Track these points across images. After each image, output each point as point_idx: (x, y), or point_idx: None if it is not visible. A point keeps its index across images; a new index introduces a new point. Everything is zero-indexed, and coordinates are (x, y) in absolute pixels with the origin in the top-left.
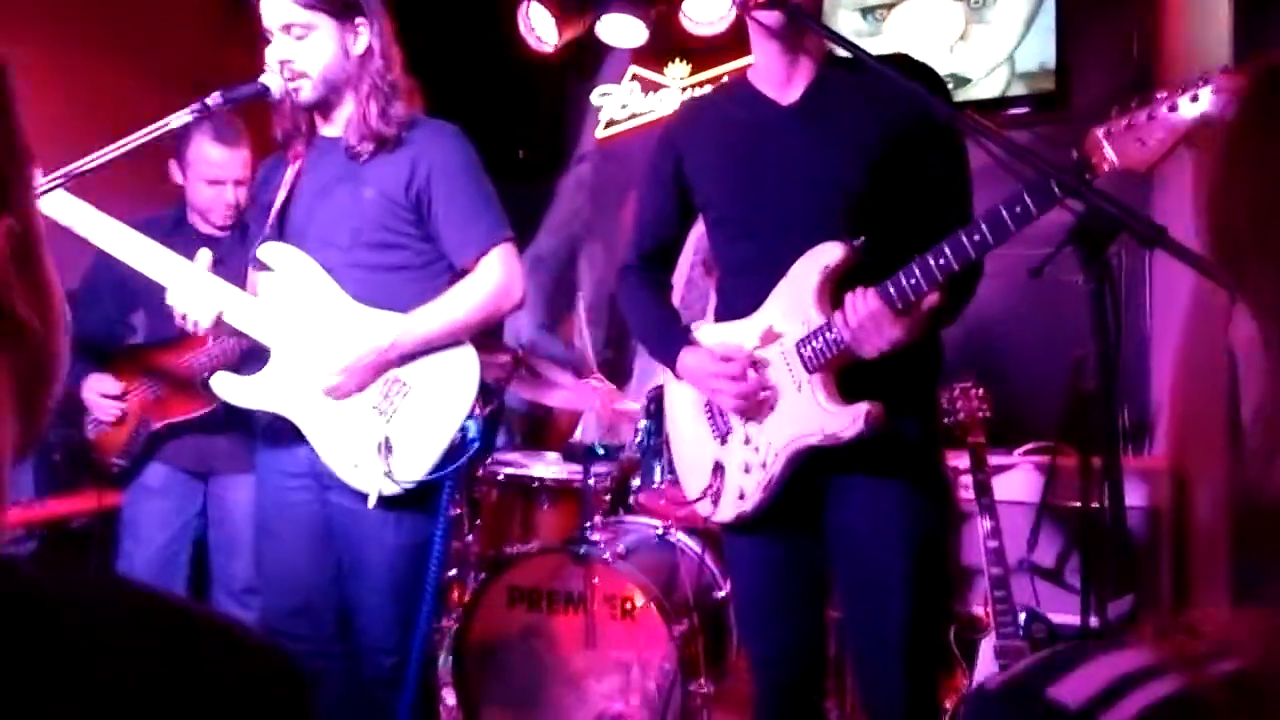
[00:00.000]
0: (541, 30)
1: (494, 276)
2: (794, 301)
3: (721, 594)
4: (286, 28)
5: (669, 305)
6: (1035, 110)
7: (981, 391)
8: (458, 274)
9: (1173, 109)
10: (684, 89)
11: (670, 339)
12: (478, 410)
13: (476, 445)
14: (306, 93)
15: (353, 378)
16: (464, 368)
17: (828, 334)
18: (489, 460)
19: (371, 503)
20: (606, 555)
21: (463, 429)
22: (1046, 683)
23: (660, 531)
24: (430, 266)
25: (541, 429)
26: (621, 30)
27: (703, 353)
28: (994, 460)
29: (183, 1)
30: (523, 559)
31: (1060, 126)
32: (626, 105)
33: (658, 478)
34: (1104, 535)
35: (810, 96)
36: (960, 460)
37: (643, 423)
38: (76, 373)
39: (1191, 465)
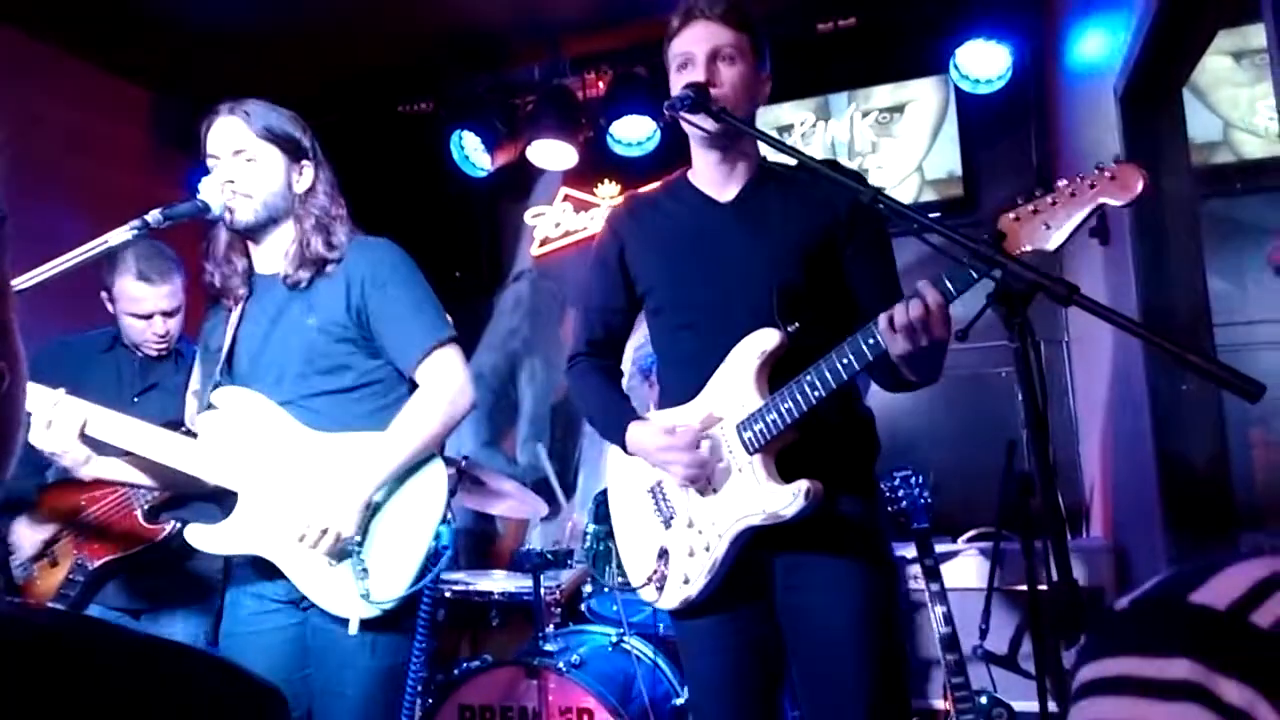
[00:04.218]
0: (474, 155)
1: (446, 379)
2: (733, 386)
3: (680, 700)
4: (237, 152)
5: (619, 389)
6: (945, 214)
7: (921, 479)
8: (413, 383)
9: (1074, 194)
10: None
11: (621, 416)
12: (449, 515)
13: (450, 551)
14: (246, 214)
15: (354, 524)
16: (431, 477)
17: (767, 416)
18: (436, 579)
19: (353, 629)
20: (560, 665)
21: (436, 536)
22: (1187, 590)
23: (614, 639)
24: (385, 381)
25: (486, 547)
26: (552, 154)
27: (652, 425)
28: (938, 548)
29: (117, 141)
30: (473, 675)
31: (970, 228)
32: (560, 224)
33: (608, 581)
34: (1064, 611)
35: (746, 194)
36: (906, 549)
37: (591, 527)
38: None
39: (1130, 539)
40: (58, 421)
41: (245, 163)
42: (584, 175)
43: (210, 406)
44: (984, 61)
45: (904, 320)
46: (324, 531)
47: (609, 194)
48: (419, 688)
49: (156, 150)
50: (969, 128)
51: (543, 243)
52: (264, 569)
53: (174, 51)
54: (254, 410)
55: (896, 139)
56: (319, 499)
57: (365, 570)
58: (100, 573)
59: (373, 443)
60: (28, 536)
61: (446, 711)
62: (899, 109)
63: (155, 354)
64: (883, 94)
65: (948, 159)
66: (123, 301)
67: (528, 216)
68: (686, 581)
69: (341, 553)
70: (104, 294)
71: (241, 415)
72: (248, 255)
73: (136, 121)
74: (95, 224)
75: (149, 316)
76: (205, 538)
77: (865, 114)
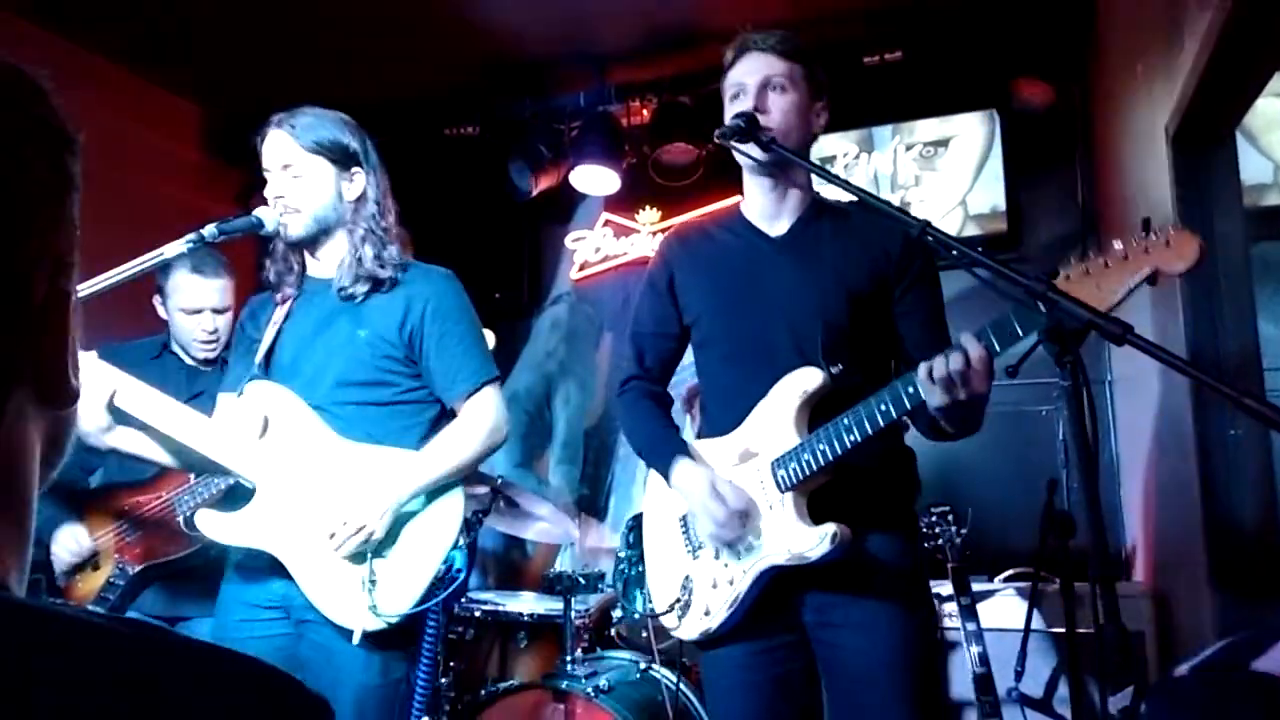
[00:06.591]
0: (518, 179)
1: (487, 415)
2: (773, 422)
3: None
4: (285, 167)
5: (668, 418)
6: (989, 249)
7: (956, 516)
8: (445, 409)
9: (1127, 258)
10: (654, 233)
11: (668, 446)
12: (462, 541)
13: (462, 576)
14: (297, 228)
15: (378, 534)
16: (452, 502)
17: (801, 456)
18: (463, 598)
19: (356, 639)
20: (589, 690)
21: (448, 560)
22: (1249, 658)
23: (643, 666)
24: (418, 403)
25: (516, 570)
26: (594, 179)
27: (703, 476)
28: (975, 586)
29: (169, 157)
30: (501, 696)
31: (1015, 264)
32: (600, 249)
33: (639, 608)
34: (1111, 656)
35: (798, 229)
36: (942, 587)
37: (623, 552)
38: (47, 519)
39: (1172, 588)
40: (88, 386)
41: (293, 178)
42: (626, 201)
43: (240, 394)
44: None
45: (943, 373)
46: (359, 529)
47: (649, 220)
48: (423, 714)
49: (207, 164)
50: (1014, 163)
51: (582, 267)
52: (258, 575)
53: (224, 67)
54: (286, 408)
55: (940, 173)
56: (347, 500)
57: (374, 582)
58: (141, 577)
59: (399, 458)
60: (71, 546)
61: None
62: (943, 143)
63: (203, 356)
64: (927, 128)
65: (992, 194)
66: (175, 296)
67: (568, 240)
68: (707, 613)
69: (358, 557)
70: (156, 297)
71: (273, 410)
72: (303, 258)
73: (187, 136)
74: (146, 238)
75: (199, 311)
76: (216, 525)
77: (909, 147)
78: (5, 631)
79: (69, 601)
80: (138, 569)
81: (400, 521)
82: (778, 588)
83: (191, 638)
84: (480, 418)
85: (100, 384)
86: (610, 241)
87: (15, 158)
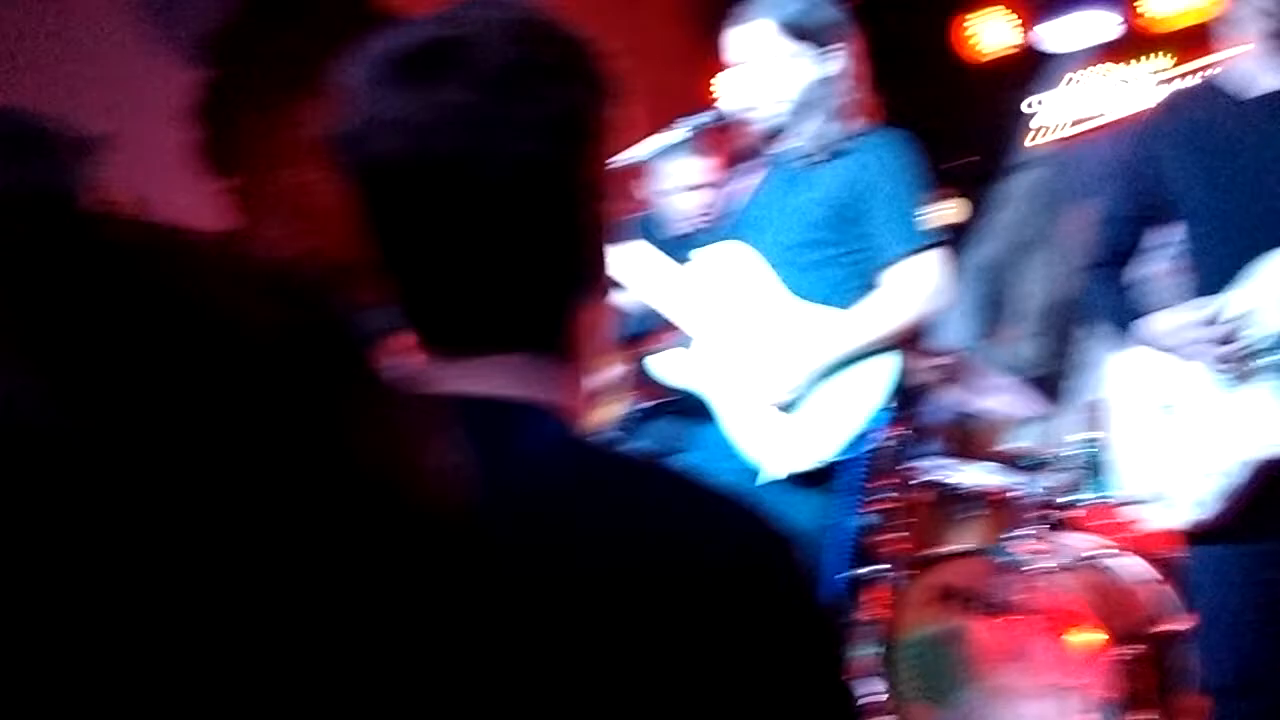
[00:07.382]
0: (989, 37)
1: (921, 281)
2: (1270, 300)
3: (1176, 627)
4: (762, 52)
5: (1134, 298)
6: None
7: None
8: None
9: None
10: (1150, 85)
11: (1139, 320)
12: (890, 404)
13: (879, 439)
14: (770, 119)
15: (794, 392)
16: (879, 362)
17: None
18: (914, 465)
19: (768, 478)
20: (1040, 566)
21: (873, 421)
22: None
23: (1104, 551)
24: (857, 265)
25: (971, 442)
26: (1078, 30)
27: (1182, 312)
28: None
29: (655, 36)
30: (951, 559)
31: None
32: (1081, 107)
33: (1102, 493)
34: None
35: None
36: None
37: (1088, 433)
38: None
39: None
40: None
41: (770, 64)
42: (1115, 53)
43: (707, 255)
44: None
45: None
46: (781, 383)
47: (1142, 73)
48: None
49: (691, 47)
50: None
51: (1059, 128)
52: (709, 416)
53: None
54: (744, 266)
55: None
56: (777, 354)
57: (797, 432)
58: (649, 415)
59: (832, 318)
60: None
61: (922, 587)
62: None
63: (685, 233)
64: None
65: None
66: (664, 177)
67: (1044, 98)
68: (1196, 504)
69: (783, 407)
70: (645, 179)
71: (731, 268)
72: (775, 136)
73: (669, 18)
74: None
75: (684, 190)
76: (663, 366)
77: None
78: (573, 463)
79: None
80: (646, 407)
81: (828, 378)
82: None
83: (698, 475)
84: (914, 285)
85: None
86: (1094, 99)
87: (584, 109)
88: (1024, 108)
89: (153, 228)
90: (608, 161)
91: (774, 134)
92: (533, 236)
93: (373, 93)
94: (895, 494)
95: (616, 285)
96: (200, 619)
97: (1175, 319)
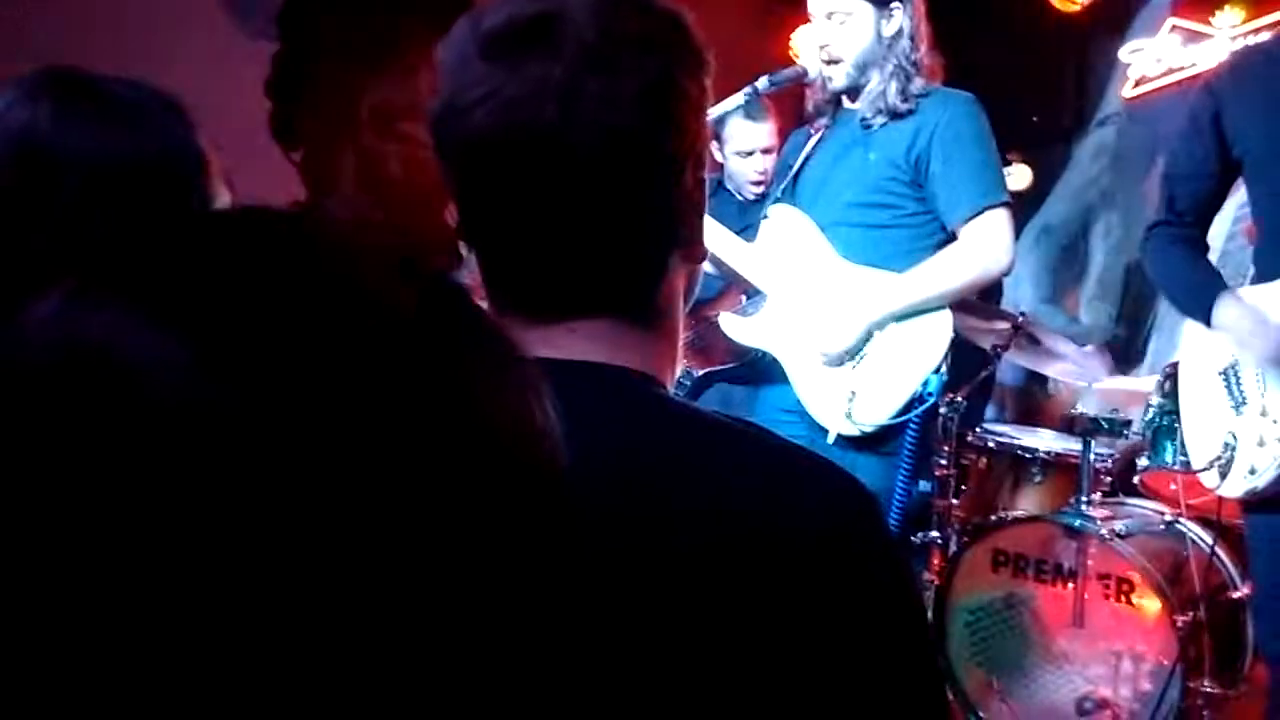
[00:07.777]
0: None
1: (984, 242)
2: None
3: (1238, 594)
4: (830, 14)
5: (1205, 262)
6: None
7: None
8: (950, 235)
9: None
10: (1233, 38)
11: (1209, 290)
12: (944, 366)
13: (933, 401)
14: (839, 79)
15: (846, 344)
16: (937, 325)
17: None
18: (976, 429)
19: (830, 439)
20: (1104, 532)
21: (925, 383)
22: None
23: (1167, 518)
24: (923, 227)
25: (1035, 405)
26: None
27: (1246, 308)
28: None
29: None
30: (1011, 524)
31: None
32: (1162, 60)
33: (1169, 460)
34: None
35: None
36: None
37: (1156, 400)
38: None
39: None
40: None
41: (839, 25)
42: (1198, 2)
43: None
44: None
45: None
46: (833, 344)
47: (1228, 23)
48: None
49: (761, 6)
50: None
51: (1138, 83)
52: (784, 381)
53: None
54: (798, 229)
55: None
56: (831, 316)
57: (855, 392)
58: (704, 380)
59: (884, 279)
60: None
61: (979, 553)
62: None
63: (753, 196)
64: None
65: None
66: (731, 141)
67: (1123, 53)
68: (1253, 472)
69: (841, 368)
70: (714, 142)
71: (787, 231)
72: (840, 96)
73: None
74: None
75: (750, 154)
76: (735, 326)
77: None
78: (670, 427)
79: None
80: (700, 374)
81: (884, 338)
82: None
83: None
84: (978, 245)
85: None
86: (1176, 50)
87: (672, 80)
88: (1121, 56)
89: (292, 208)
90: (695, 130)
91: (838, 94)
92: (622, 206)
93: (464, 69)
94: (955, 458)
95: (705, 256)
96: (347, 569)
97: (1235, 314)
